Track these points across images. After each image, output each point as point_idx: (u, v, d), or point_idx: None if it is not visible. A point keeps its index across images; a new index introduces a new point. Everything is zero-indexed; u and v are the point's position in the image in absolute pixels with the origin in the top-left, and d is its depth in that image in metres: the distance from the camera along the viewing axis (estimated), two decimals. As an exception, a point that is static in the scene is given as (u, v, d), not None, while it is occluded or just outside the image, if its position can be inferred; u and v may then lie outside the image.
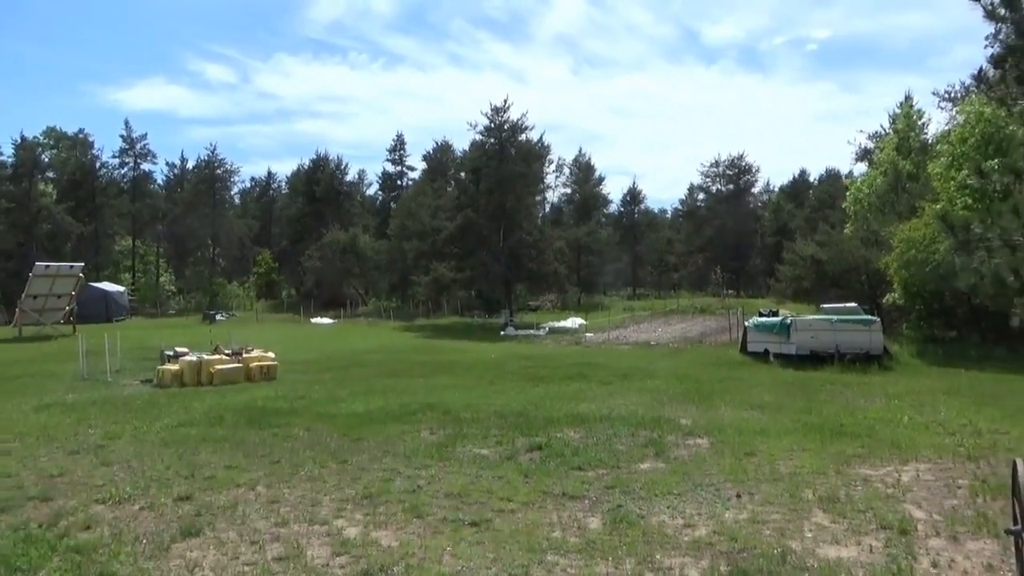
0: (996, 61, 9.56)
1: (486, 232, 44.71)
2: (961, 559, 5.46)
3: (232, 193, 74.30)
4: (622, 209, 77.48)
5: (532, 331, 33.44)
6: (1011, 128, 19.65)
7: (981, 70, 11.87)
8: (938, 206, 19.35)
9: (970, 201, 20.37)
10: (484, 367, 20.08)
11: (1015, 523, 4.92)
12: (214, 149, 67.39)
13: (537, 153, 49.26)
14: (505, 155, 44.69)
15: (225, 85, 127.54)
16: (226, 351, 18.35)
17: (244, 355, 17.99)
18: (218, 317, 46.28)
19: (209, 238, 66.77)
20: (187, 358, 17.14)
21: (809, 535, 6.05)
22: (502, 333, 33.64)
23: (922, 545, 5.77)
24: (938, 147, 28.23)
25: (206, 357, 17.26)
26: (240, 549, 5.74)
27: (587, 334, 32.65)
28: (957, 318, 21.74)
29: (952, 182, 23.02)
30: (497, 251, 43.91)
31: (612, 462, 8.58)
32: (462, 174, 49.24)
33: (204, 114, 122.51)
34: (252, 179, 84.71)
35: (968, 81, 28.41)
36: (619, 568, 5.35)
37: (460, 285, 46.86)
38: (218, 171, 67.36)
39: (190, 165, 71.14)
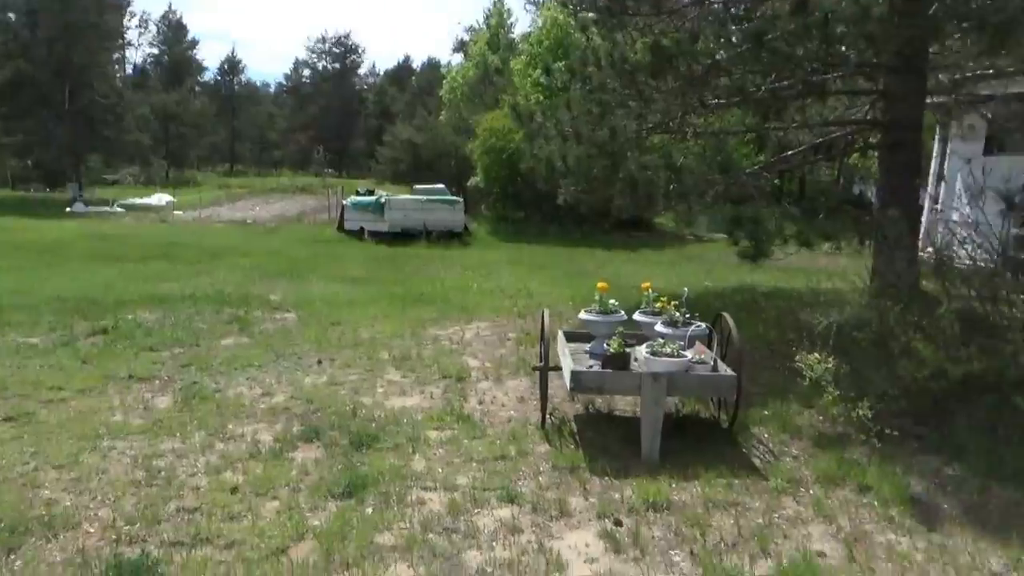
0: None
1: (46, 90, 37.45)
2: (501, 395, 6.42)
3: None
4: (219, 78, 71.28)
5: (107, 208, 29.55)
6: (575, 34, 22.42)
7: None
8: (518, 99, 21.51)
9: (541, 97, 23.00)
10: (42, 248, 17.26)
11: (540, 361, 5.90)
12: None
13: (113, 1, 42.09)
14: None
15: None
16: None
17: None
18: None
19: None
20: None
21: (381, 390, 6.53)
22: (68, 210, 29.11)
23: (473, 388, 6.64)
24: (521, 46, 31.19)
25: None
26: None
27: (176, 212, 29.99)
28: (525, 200, 24.81)
29: (529, 79, 25.77)
30: (62, 113, 37.26)
31: (191, 340, 8.15)
32: (11, 15, 39.84)
33: None
34: None
35: (548, -12, 31.46)
36: (187, 442, 5.17)
37: (12, 152, 39.00)
38: None
39: None
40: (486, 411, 5.99)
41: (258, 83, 78.11)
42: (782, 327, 9.04)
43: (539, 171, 10.81)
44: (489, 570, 3.53)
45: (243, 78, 72.76)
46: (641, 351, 5.23)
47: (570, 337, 6.17)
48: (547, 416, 5.62)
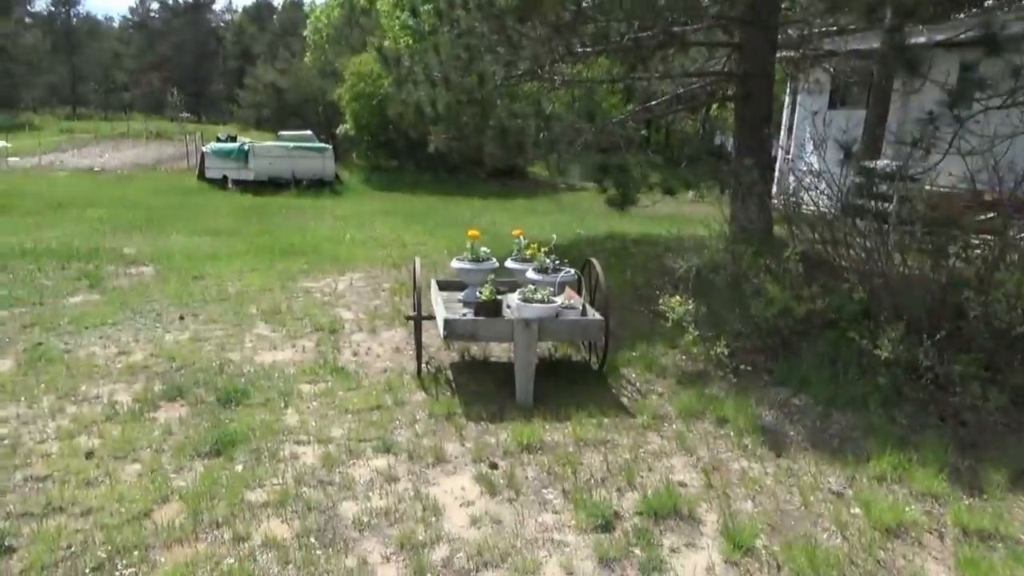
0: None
1: None
2: (376, 346, 6.35)
3: None
4: (53, 9, 64.64)
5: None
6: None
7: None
8: (386, 43, 20.81)
9: (410, 40, 22.38)
10: None
11: (414, 310, 5.87)
12: None
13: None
14: None
15: None
16: None
17: None
18: None
19: None
20: None
21: (249, 345, 6.30)
22: None
23: (347, 340, 6.53)
24: (387, -14, 30.04)
25: None
26: None
27: (10, 159, 27.26)
28: (398, 149, 24.28)
29: (397, 20, 24.97)
30: None
31: (33, 299, 7.51)
32: None
33: None
34: None
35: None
36: (34, 407, 4.80)
37: None
38: None
39: None
40: (361, 363, 5.91)
41: (100, 16, 71.42)
42: (649, 272, 9.44)
43: (407, 118, 10.60)
44: (365, 519, 3.53)
45: (81, 10, 66.38)
46: (513, 298, 5.30)
47: (443, 286, 6.17)
48: (423, 365, 5.62)
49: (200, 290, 8.16)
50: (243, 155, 19.99)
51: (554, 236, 5.89)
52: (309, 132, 22.99)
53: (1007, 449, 4.33)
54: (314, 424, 4.64)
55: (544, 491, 3.86)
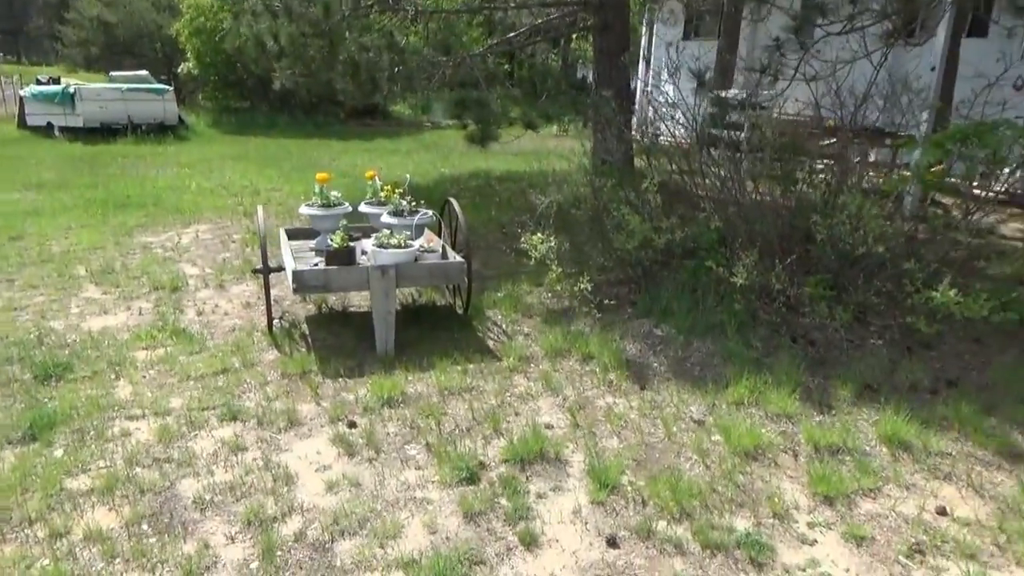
0: None
1: None
2: (224, 303, 5.86)
3: None
4: None
5: None
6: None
7: None
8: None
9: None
10: None
11: (262, 264, 5.43)
12: None
13: None
14: None
15: None
16: None
17: None
18: None
19: None
20: None
21: (76, 311, 5.65)
22: None
23: (191, 298, 5.99)
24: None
25: None
26: None
27: None
28: (248, 88, 22.70)
29: (235, -53, 23.03)
30: None
31: None
32: None
33: None
34: None
35: None
36: None
37: None
38: None
39: None
40: (206, 322, 5.43)
41: None
42: (514, 209, 9.29)
43: (248, 52, 9.77)
44: (208, 497, 3.20)
45: None
46: (367, 244, 4.99)
47: (293, 235, 5.74)
48: (274, 321, 5.23)
49: (17, 252, 7.27)
50: (68, 99, 18.02)
51: (407, 176, 5.57)
52: (145, 72, 21.01)
53: (852, 365, 4.53)
54: (150, 395, 4.19)
55: (406, 447, 3.66)
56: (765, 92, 6.39)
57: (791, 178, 5.46)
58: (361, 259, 4.95)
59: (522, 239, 5.29)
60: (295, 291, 4.71)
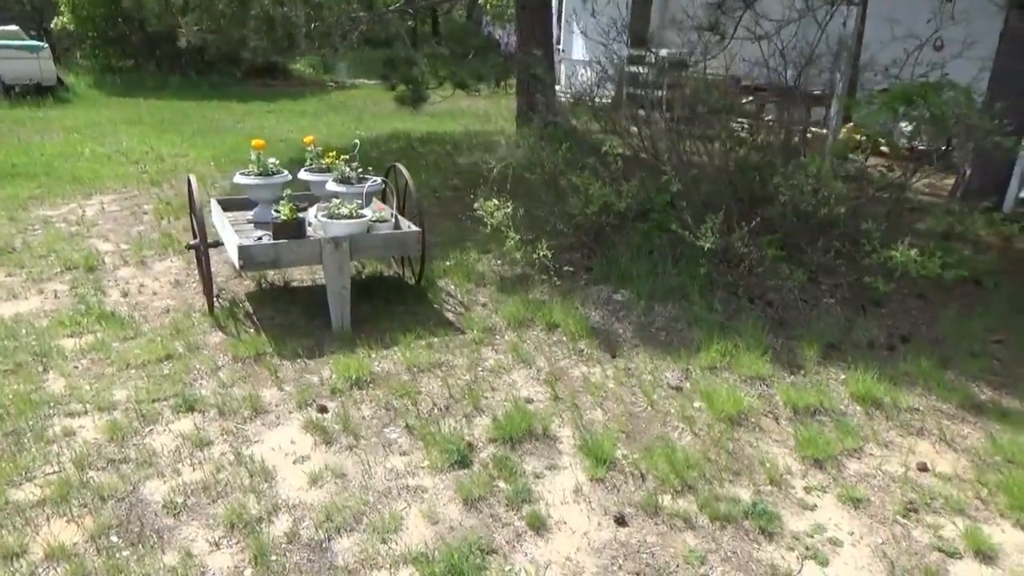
0: None
1: None
2: (150, 281, 5.41)
3: None
4: None
5: None
6: None
7: None
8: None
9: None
10: None
11: (194, 237, 5.03)
12: None
13: None
14: None
15: None
16: None
17: None
18: None
19: None
20: None
21: (-21, 296, 5.09)
22: None
23: (111, 278, 5.50)
24: None
25: None
26: None
27: None
28: (133, 46, 21.06)
29: None
30: None
31: None
32: None
33: None
34: None
35: None
36: None
37: None
38: None
39: None
40: (135, 304, 5.00)
41: None
42: (444, 172, 9.03)
43: (149, 6, 9.01)
44: (180, 500, 2.93)
45: None
46: (312, 214, 4.69)
47: (226, 205, 5.32)
48: (215, 300, 4.85)
49: None
50: (-72, 57, 16.21)
51: (356, 141, 5.25)
52: (15, 27, 19.12)
53: (811, 324, 4.63)
54: (88, 388, 3.81)
55: (386, 430, 3.47)
56: (685, 51, 6.38)
57: (735, 138, 5.49)
58: (308, 231, 4.64)
59: (476, 205, 5.10)
60: (241, 268, 4.37)
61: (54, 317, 4.71)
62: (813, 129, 6.24)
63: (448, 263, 5.72)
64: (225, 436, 3.39)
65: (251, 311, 4.87)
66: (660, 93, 6.23)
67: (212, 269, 4.89)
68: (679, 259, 5.18)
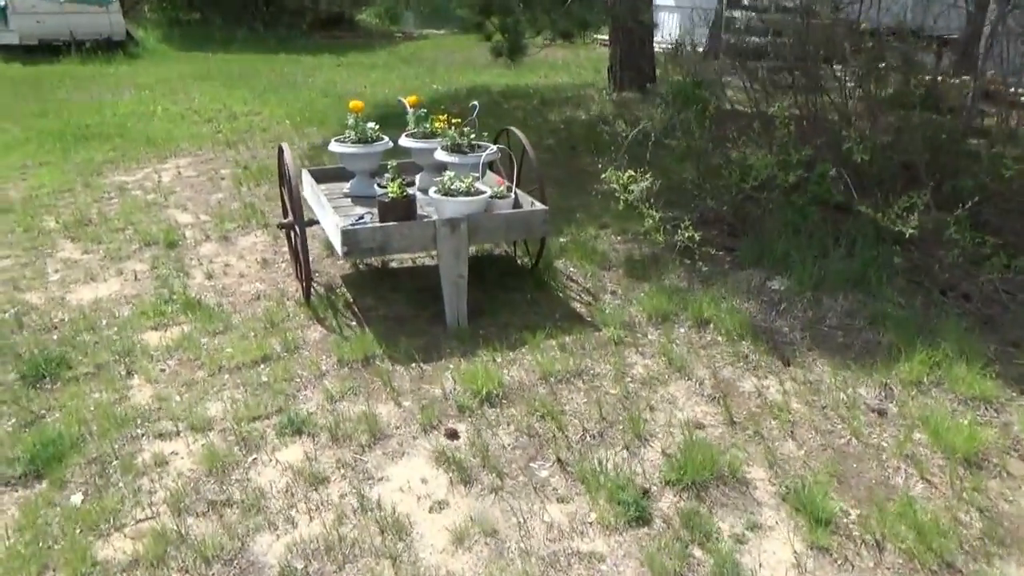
0: None
1: None
2: (235, 260, 4.88)
3: None
4: None
5: None
6: None
7: None
8: None
9: None
10: None
11: (285, 215, 4.45)
12: None
13: None
14: None
15: None
16: None
17: None
18: None
19: None
20: None
21: (55, 278, 4.64)
22: None
23: (193, 256, 4.99)
24: None
25: None
26: None
27: None
28: (200, -2, 20.68)
29: None
30: None
31: None
32: None
33: None
34: None
35: None
36: None
37: None
38: None
39: None
40: (221, 288, 4.46)
41: None
42: (536, 130, 8.26)
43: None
44: (300, 565, 2.36)
45: None
46: (417, 191, 4.04)
47: (319, 176, 4.70)
48: (311, 288, 4.26)
49: (-32, 200, 6.11)
50: (1, 14, 16.03)
51: (475, 103, 4.55)
52: (83, -19, 18.84)
53: (1025, 324, 3.80)
54: (178, 399, 3.28)
55: (533, 466, 2.84)
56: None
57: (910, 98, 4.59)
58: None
59: (602, 175, 4.37)
60: (345, 255, 3.74)
61: (136, 305, 4.21)
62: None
63: (562, 239, 5.02)
64: (342, 470, 2.80)
65: (350, 300, 4.28)
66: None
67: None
68: (843, 239, 4.37)
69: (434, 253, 3.94)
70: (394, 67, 15.11)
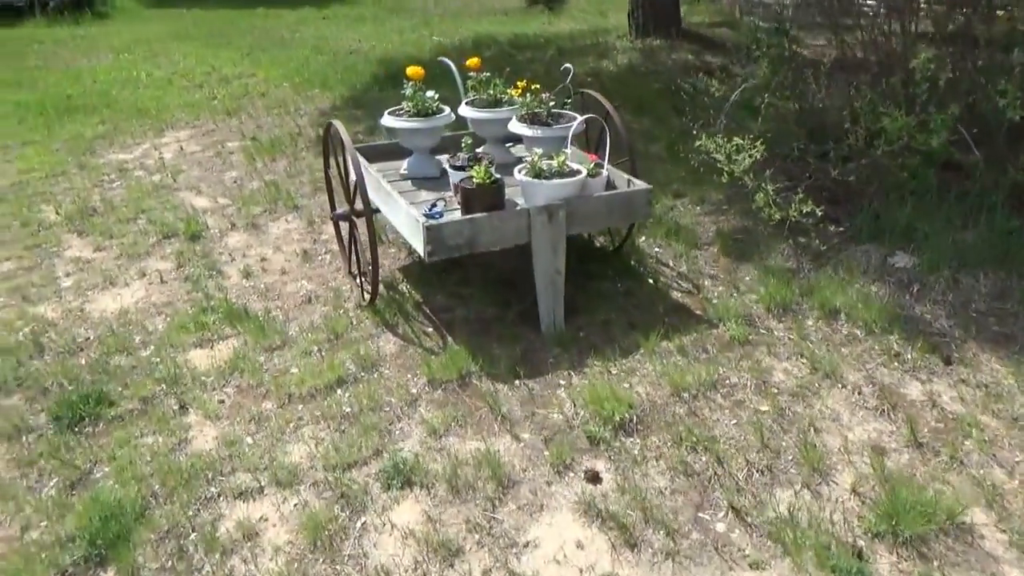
0: None
1: None
2: (272, 253, 4.28)
3: None
4: None
5: None
6: None
7: None
8: None
9: None
10: None
11: (333, 205, 3.86)
12: None
13: None
14: None
15: None
16: None
17: None
18: None
19: None
20: None
21: (68, 283, 4.03)
22: None
23: (222, 248, 4.39)
24: None
25: None
26: None
27: None
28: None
29: None
30: None
31: None
32: None
33: None
34: None
35: None
36: None
37: None
38: None
39: None
40: (264, 290, 3.89)
41: None
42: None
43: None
44: None
45: None
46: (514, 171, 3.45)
47: (370, 154, 4.06)
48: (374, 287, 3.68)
49: (-50, 190, 5.42)
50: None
51: (569, 66, 3.95)
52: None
53: None
54: (250, 441, 2.73)
55: (704, 517, 2.34)
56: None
57: None
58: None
59: (699, 143, 3.80)
60: (429, 256, 3.15)
61: (170, 316, 3.62)
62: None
63: (639, 215, 4.46)
64: (476, 534, 2.29)
65: (419, 299, 3.72)
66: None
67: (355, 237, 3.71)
68: (974, 208, 3.86)
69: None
70: (384, 19, 14.19)
